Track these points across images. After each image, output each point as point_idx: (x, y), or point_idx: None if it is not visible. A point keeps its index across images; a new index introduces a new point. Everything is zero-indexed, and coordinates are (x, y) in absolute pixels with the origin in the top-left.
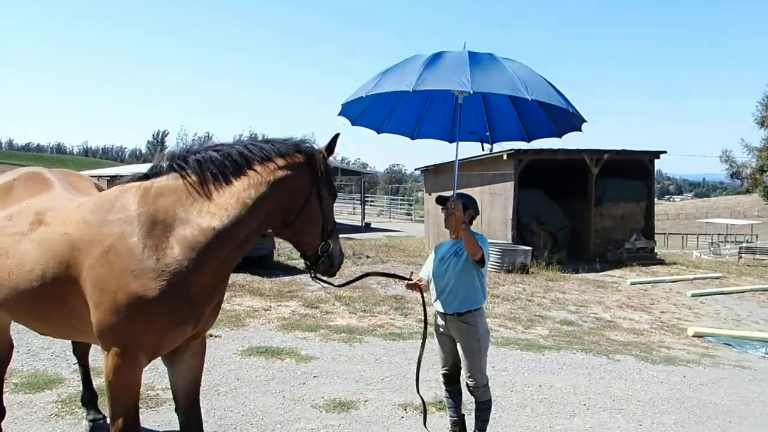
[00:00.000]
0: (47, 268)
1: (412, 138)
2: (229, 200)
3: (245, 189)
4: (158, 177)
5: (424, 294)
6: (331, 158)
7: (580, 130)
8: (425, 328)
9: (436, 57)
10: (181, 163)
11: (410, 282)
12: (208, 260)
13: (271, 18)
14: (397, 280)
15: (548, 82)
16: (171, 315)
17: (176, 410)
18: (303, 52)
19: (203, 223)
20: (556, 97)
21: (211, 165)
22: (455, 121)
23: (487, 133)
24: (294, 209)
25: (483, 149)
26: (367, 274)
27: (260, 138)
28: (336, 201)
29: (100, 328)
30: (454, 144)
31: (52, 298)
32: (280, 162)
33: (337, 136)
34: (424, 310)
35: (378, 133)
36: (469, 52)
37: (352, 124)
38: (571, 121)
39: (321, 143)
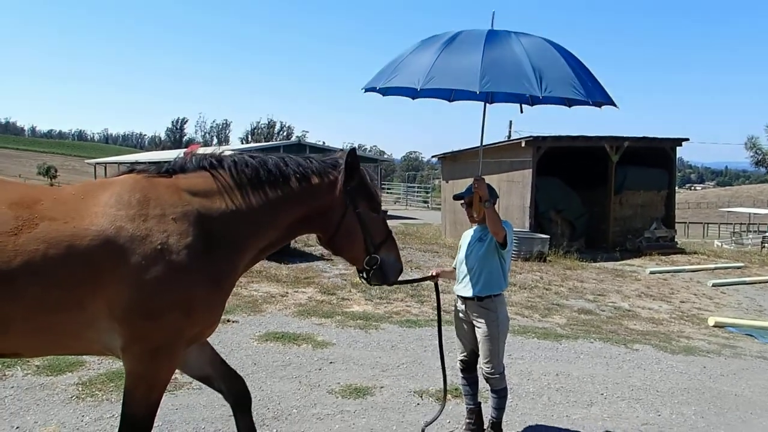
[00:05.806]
0: (71, 266)
1: (450, 100)
2: (260, 209)
3: (276, 201)
4: (183, 174)
5: (449, 282)
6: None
7: (616, 106)
8: (439, 315)
9: (451, 41)
10: (214, 164)
11: (432, 276)
12: (240, 263)
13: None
14: (427, 281)
15: (571, 62)
16: (219, 313)
17: (214, 382)
18: (319, 41)
19: (237, 228)
20: (573, 89)
21: (247, 170)
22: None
23: (528, 96)
24: (330, 226)
25: (522, 112)
26: (413, 281)
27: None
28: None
29: (142, 327)
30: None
31: (69, 303)
32: (315, 180)
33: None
34: (438, 298)
35: (413, 98)
36: (488, 33)
37: (384, 95)
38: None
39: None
